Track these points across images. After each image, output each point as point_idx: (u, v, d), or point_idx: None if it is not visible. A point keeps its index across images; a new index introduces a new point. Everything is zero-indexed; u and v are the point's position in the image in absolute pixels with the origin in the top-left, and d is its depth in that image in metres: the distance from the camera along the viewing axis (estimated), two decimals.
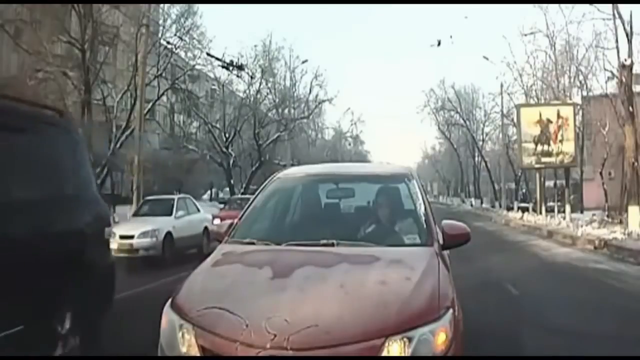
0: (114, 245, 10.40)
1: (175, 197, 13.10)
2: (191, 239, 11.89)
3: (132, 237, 10.47)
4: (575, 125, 23.32)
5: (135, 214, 12.55)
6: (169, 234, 10.92)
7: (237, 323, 2.23)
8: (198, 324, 2.32)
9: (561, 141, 22.28)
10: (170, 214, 11.60)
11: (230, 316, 2.28)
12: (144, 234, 10.52)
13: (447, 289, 2.56)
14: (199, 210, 13.17)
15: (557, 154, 22.38)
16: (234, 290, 2.53)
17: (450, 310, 2.38)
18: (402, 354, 2.19)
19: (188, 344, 2.31)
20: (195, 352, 2.28)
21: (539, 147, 22.46)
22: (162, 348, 2.45)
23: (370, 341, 2.17)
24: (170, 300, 2.59)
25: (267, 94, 32.91)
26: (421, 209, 3.33)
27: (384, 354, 2.16)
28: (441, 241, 3.12)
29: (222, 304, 2.38)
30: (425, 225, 3.19)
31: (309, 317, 2.23)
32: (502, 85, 31.95)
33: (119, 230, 10.65)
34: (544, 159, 22.51)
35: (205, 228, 12.69)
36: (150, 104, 23.36)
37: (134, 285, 7.55)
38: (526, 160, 23.02)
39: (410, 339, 2.20)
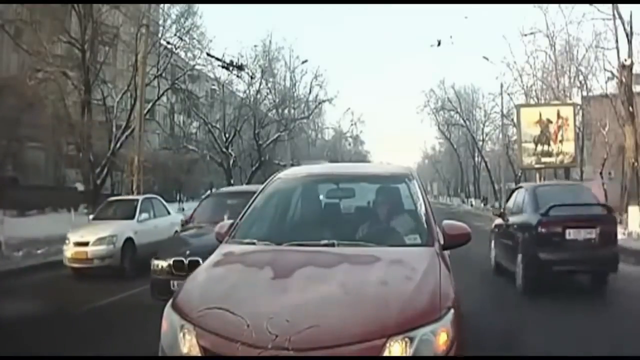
0: (67, 253, 9.24)
1: (140, 197, 11.52)
2: (158, 245, 9.84)
3: (86, 244, 9.17)
4: (575, 125, 23.31)
5: (96, 217, 10.91)
6: (129, 240, 9.58)
7: (238, 323, 2.23)
8: (199, 324, 2.31)
9: (561, 141, 22.28)
10: (133, 217, 10.14)
11: (231, 316, 2.28)
12: (99, 241, 9.20)
13: (448, 289, 2.56)
14: (169, 213, 11.70)
15: (557, 154, 22.39)
16: (235, 291, 2.53)
17: (452, 310, 2.38)
18: (404, 354, 2.19)
19: (189, 344, 2.31)
20: (196, 352, 2.27)
21: (539, 147, 22.46)
22: (163, 349, 2.44)
23: (372, 341, 2.17)
24: (171, 301, 2.59)
25: (267, 94, 32.98)
26: (421, 209, 3.33)
27: (386, 354, 2.16)
28: (442, 241, 3.12)
29: (223, 304, 2.38)
30: (425, 226, 3.19)
31: (310, 317, 2.23)
32: (502, 86, 31.94)
33: (73, 236, 9.47)
34: (544, 159, 22.52)
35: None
36: (150, 104, 23.37)
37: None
38: (526, 160, 23.01)
39: (411, 339, 2.20)
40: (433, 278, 2.59)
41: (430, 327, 2.25)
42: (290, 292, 2.45)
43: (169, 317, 2.49)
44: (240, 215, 3.55)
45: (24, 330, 5.24)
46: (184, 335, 2.34)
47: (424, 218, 3.25)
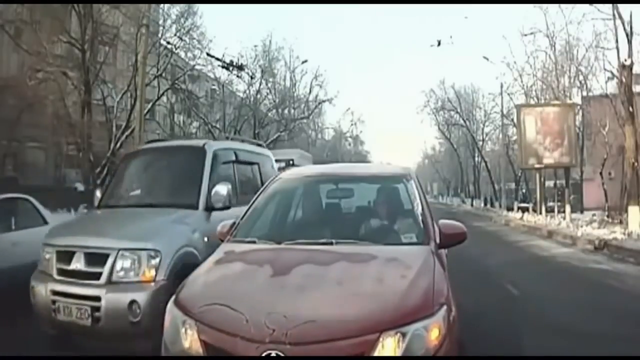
0: None
1: None
2: (18, 270, 5.29)
3: None
4: (575, 125, 23.31)
5: None
6: None
7: (237, 318, 2.31)
8: (200, 319, 2.39)
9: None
10: None
11: (231, 312, 2.36)
12: None
13: (442, 286, 2.61)
14: (46, 222, 6.73)
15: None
16: (235, 287, 2.61)
17: (444, 307, 2.43)
18: (396, 349, 2.25)
19: (191, 339, 2.38)
20: (197, 347, 2.35)
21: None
22: (166, 344, 2.52)
23: (366, 336, 2.23)
24: (173, 297, 2.67)
25: (267, 94, 33.00)
26: (419, 209, 3.38)
27: (379, 348, 2.23)
28: (438, 240, 3.17)
29: (223, 300, 2.45)
30: (422, 225, 3.24)
31: (307, 312, 2.30)
32: (502, 86, 31.95)
33: None
34: (544, 109, 22.31)
35: None
36: (150, 104, 23.35)
37: None
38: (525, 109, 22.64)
39: (404, 334, 2.26)
40: (427, 275, 2.64)
41: (422, 323, 2.31)
42: (288, 289, 2.52)
43: (171, 313, 2.56)
44: (242, 215, 3.60)
45: None
46: (185, 330, 2.41)
47: (420, 217, 3.30)
